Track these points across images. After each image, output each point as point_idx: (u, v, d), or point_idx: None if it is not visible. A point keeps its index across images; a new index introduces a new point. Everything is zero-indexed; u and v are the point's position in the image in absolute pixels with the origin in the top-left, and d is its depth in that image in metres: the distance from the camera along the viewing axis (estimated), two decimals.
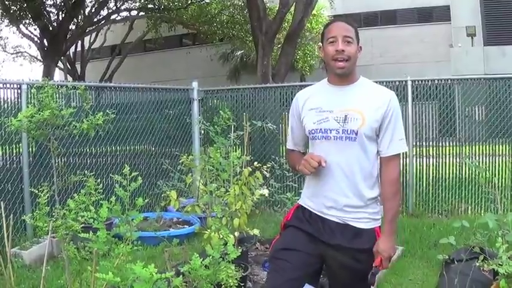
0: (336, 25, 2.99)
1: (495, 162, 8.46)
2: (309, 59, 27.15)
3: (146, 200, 3.80)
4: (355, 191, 2.94)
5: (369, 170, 2.96)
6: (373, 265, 2.96)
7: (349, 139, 2.90)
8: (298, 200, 3.28)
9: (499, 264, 4.30)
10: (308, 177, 3.11)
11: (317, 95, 3.09)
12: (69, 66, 27.97)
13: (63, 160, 7.51)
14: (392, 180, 2.99)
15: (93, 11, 23.62)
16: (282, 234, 3.17)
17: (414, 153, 8.80)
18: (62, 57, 24.47)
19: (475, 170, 8.18)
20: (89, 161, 8.15)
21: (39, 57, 28.05)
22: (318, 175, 2.98)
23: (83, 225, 3.85)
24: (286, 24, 21.08)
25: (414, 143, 8.82)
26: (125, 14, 27.11)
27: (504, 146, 8.41)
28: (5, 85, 7.09)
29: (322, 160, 2.87)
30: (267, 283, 3.20)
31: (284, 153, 7.58)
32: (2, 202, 4.19)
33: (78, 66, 28.37)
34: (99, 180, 4.83)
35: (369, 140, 2.93)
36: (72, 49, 26.71)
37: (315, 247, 2.98)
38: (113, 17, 25.95)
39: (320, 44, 3.09)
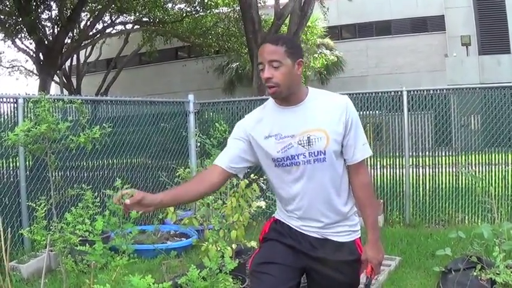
0: (262, 49, 2.79)
1: (491, 171, 8.46)
2: (303, 70, 27.15)
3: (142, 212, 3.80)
4: (332, 209, 2.84)
5: (341, 185, 2.87)
6: (366, 276, 2.92)
7: (317, 161, 2.78)
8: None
9: (497, 273, 4.31)
10: (280, 200, 2.99)
11: (269, 118, 2.90)
12: (65, 80, 27.95)
13: (60, 174, 7.51)
14: (364, 185, 2.90)
15: (88, 24, 23.65)
16: (262, 248, 3.04)
17: (410, 163, 8.81)
18: (58, 71, 24.45)
19: (472, 180, 8.20)
20: (86, 175, 8.14)
21: (35, 71, 28.07)
22: (292, 201, 2.88)
23: (80, 238, 3.86)
24: None
25: (410, 153, 8.82)
26: (120, 27, 27.23)
27: (500, 155, 8.42)
28: (1, 99, 7.13)
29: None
30: None
31: None
32: None
33: (74, 80, 28.38)
34: (96, 193, 4.84)
35: (337, 155, 2.82)
36: (67, 63, 26.66)
37: (296, 260, 2.88)
38: (108, 30, 26.04)
39: None
